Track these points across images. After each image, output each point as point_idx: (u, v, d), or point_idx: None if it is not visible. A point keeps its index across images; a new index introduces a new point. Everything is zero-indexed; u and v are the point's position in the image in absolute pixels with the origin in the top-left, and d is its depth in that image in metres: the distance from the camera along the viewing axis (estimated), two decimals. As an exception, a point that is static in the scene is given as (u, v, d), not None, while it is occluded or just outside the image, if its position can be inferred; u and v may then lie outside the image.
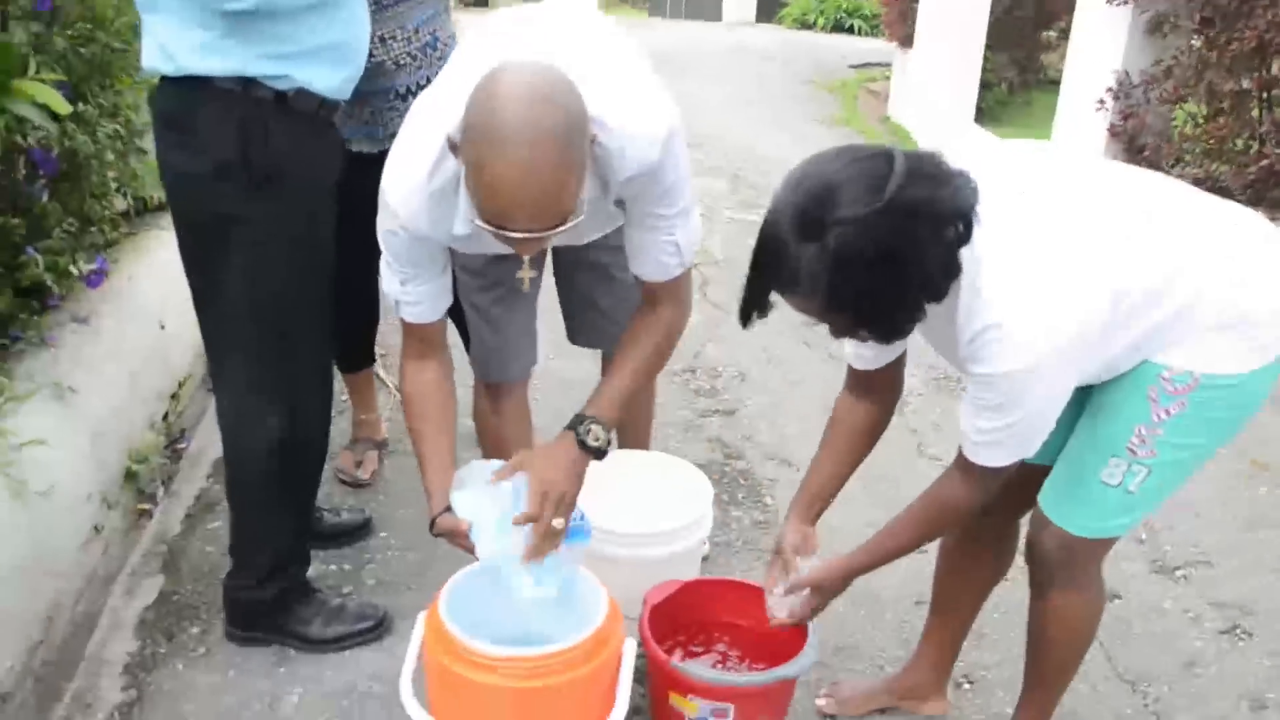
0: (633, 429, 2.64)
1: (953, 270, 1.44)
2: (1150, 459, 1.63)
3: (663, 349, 1.92)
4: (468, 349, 2.42)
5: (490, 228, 1.48)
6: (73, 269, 2.68)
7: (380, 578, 2.60)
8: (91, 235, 2.91)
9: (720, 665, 2.13)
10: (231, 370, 2.14)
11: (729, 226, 5.50)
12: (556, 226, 1.49)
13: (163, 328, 3.30)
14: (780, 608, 1.95)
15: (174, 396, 3.37)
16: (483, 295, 2.24)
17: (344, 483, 3.02)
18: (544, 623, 1.86)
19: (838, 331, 1.55)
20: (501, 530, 1.70)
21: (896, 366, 1.83)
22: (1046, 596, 1.82)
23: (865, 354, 1.80)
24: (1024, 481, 1.76)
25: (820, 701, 2.20)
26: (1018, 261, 1.47)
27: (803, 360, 3.95)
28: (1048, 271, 1.47)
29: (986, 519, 1.86)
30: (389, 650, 2.35)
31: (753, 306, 1.52)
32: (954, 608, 2.14)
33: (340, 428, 3.20)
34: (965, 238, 1.43)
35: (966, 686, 2.33)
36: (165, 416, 3.28)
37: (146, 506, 2.90)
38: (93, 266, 2.79)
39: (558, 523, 1.72)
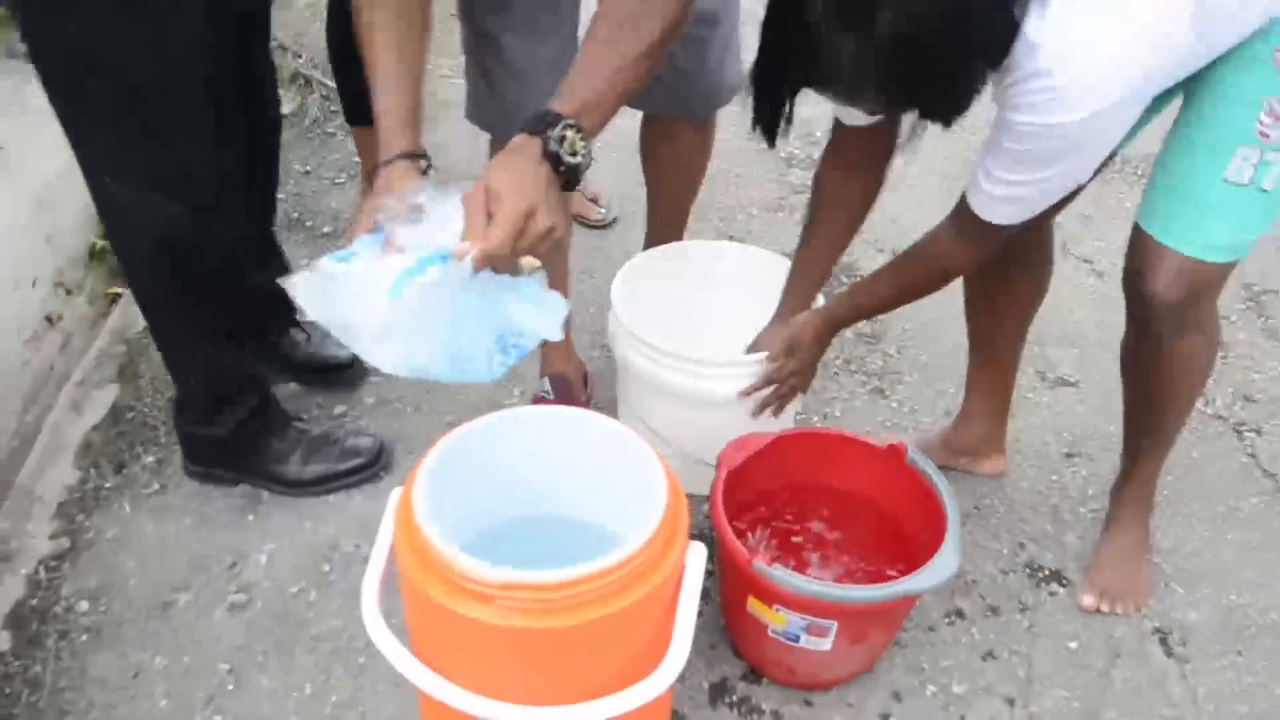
0: (672, 186, 2.09)
1: (1013, 28, 1.20)
2: None
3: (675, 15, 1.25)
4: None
5: None
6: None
7: (381, 395, 2.06)
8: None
9: (815, 555, 1.59)
10: (92, 153, 1.52)
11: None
12: None
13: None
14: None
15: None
16: (495, 18, 1.58)
17: (587, 227, 2.60)
18: (579, 503, 1.32)
19: (882, 112, 1.36)
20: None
21: (892, 120, 1.49)
22: (1165, 346, 1.53)
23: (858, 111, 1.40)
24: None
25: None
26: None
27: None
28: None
29: (1015, 265, 1.71)
30: (385, 495, 1.83)
31: (775, 118, 1.26)
32: (996, 345, 1.86)
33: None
34: None
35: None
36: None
37: (120, 291, 2.39)
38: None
39: (526, 260, 1.15)
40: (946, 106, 1.22)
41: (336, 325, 1.12)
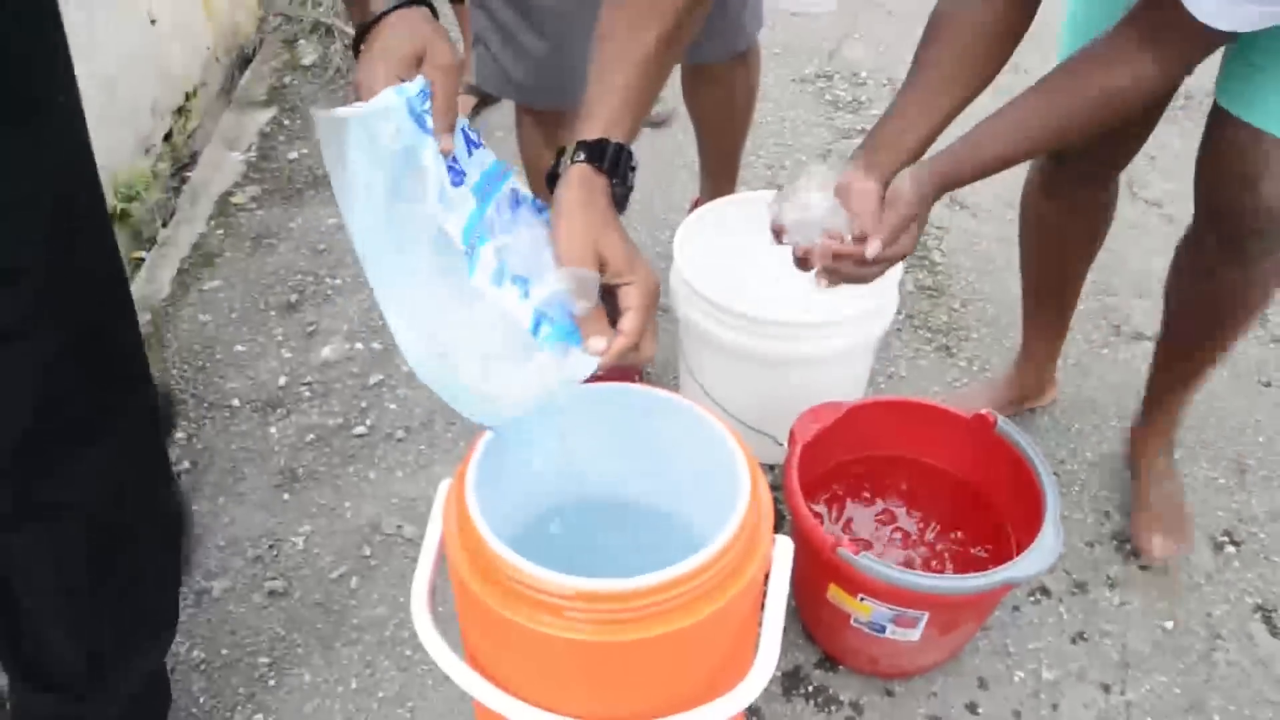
0: (719, 130, 1.99)
1: None
2: None
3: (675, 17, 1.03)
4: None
5: None
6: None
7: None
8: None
9: (898, 536, 1.47)
10: None
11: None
12: None
13: (153, 23, 2.57)
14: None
15: (179, 112, 2.67)
16: None
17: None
18: (640, 487, 1.20)
19: None
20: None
21: None
22: (1254, 262, 1.32)
23: None
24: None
25: None
26: None
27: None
28: None
29: (1085, 166, 1.50)
30: (427, 470, 1.73)
31: None
32: (1054, 288, 1.73)
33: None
34: None
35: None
36: (169, 137, 2.60)
37: (143, 255, 2.29)
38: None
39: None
40: None
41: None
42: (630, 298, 0.95)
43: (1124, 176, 1.59)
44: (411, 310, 0.94)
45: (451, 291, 0.95)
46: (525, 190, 1.05)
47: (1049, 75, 1.17)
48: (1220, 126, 1.28)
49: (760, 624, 1.02)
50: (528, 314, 0.96)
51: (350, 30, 2.79)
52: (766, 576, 1.04)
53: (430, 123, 0.94)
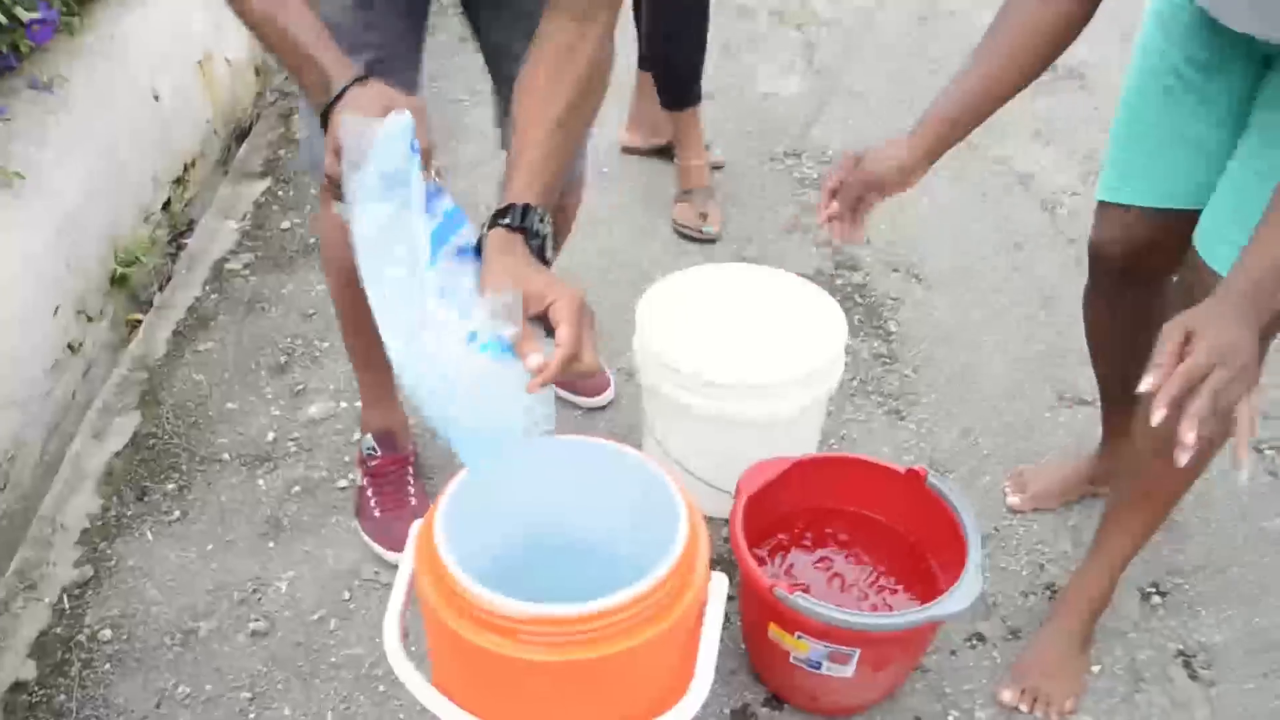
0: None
1: None
2: None
3: (594, 88, 1.25)
4: None
5: None
6: (-1, 17, 2.07)
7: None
8: (34, -26, 2.28)
9: (835, 580, 1.59)
10: None
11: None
12: None
13: (157, 98, 2.71)
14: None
15: (178, 182, 2.81)
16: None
17: (687, 237, 2.67)
18: (595, 529, 1.32)
19: None
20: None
21: None
22: None
23: None
24: (1168, 231, 1.45)
25: (1012, 500, 1.94)
26: None
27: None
28: None
29: (1129, 289, 1.63)
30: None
31: None
32: (1126, 386, 1.65)
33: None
34: None
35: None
36: (167, 205, 2.74)
37: (140, 318, 2.41)
38: (36, 15, 2.18)
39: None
40: None
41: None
42: (559, 312, 1.08)
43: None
44: (404, 328, 1.07)
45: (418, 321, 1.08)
46: (472, 240, 1.19)
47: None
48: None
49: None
50: (464, 330, 1.08)
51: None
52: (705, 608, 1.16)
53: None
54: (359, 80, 1.14)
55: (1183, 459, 1.02)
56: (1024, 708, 1.59)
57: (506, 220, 1.14)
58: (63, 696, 1.56)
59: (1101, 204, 1.59)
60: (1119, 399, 1.80)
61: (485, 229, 1.15)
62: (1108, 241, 1.59)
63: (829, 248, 2.66)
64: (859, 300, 2.47)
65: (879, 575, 1.59)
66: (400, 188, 1.09)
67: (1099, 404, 1.90)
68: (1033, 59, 1.31)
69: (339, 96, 1.14)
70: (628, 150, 3.00)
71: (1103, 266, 1.65)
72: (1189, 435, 1.01)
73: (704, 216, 2.68)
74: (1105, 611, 1.67)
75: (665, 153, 2.93)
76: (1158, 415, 1.02)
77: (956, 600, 1.34)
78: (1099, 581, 1.61)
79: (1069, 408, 2.18)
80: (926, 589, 1.50)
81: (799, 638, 1.37)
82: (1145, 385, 1.05)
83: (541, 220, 1.16)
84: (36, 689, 1.57)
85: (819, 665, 1.40)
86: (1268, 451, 2.07)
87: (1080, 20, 1.29)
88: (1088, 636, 1.65)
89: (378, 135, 1.07)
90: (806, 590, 1.43)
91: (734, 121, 3.17)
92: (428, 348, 1.07)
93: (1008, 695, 1.60)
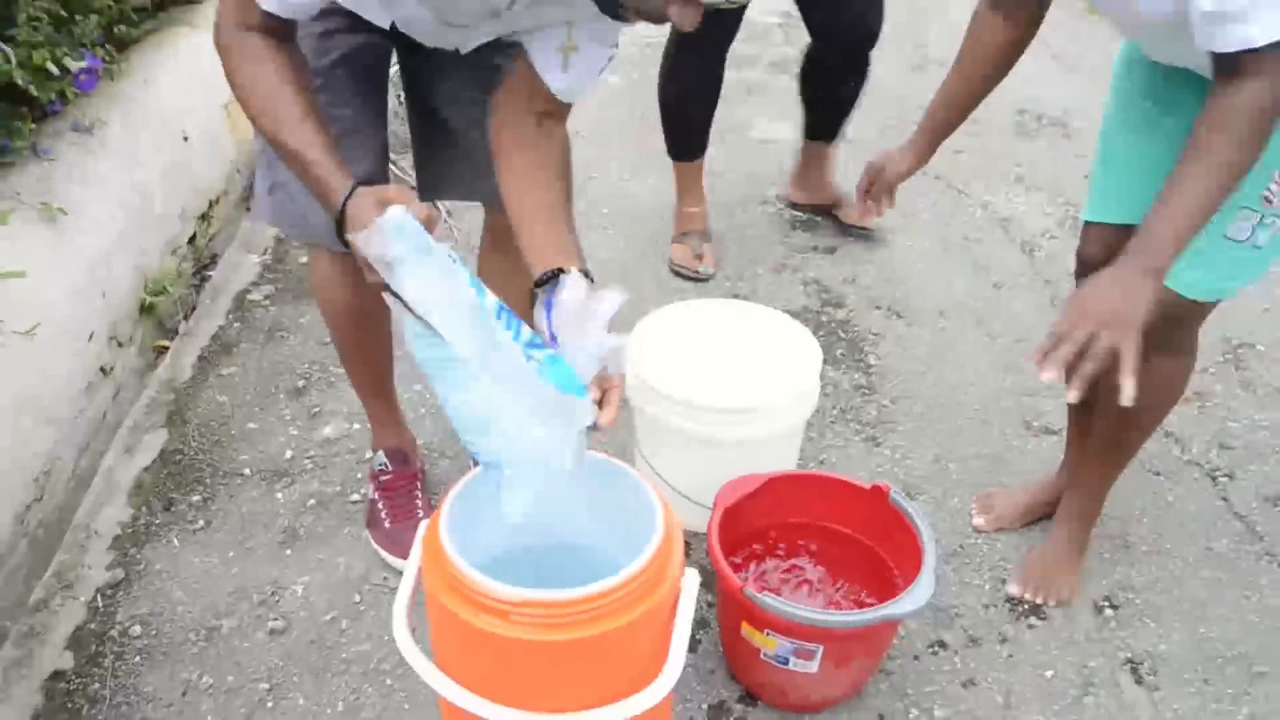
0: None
1: None
2: None
3: (568, 174, 1.60)
4: None
5: None
6: (50, 66, 2.25)
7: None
8: (81, 27, 2.46)
9: (804, 586, 1.73)
10: None
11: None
12: None
13: (185, 139, 2.90)
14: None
15: (204, 217, 2.99)
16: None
17: (683, 276, 2.86)
18: (584, 533, 1.47)
19: None
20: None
21: None
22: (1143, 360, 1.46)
23: None
24: None
25: (977, 520, 2.09)
26: None
27: (919, 189, 3.29)
28: None
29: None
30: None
31: None
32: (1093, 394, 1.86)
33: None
34: None
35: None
36: (193, 239, 2.91)
37: (167, 344, 2.57)
38: (83, 64, 2.36)
39: None
40: None
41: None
42: (615, 395, 1.31)
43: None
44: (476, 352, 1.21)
45: (492, 354, 1.23)
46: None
47: (1192, 139, 1.34)
48: None
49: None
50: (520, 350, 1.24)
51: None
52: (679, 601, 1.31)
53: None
54: (349, 197, 1.26)
55: (1073, 396, 1.31)
56: (1029, 596, 1.90)
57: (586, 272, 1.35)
58: (97, 685, 1.71)
59: (1086, 223, 1.79)
60: (1085, 409, 1.91)
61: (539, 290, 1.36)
62: (1091, 255, 1.76)
63: (815, 286, 2.82)
64: (842, 335, 2.63)
65: (846, 583, 1.73)
66: (426, 255, 1.21)
67: (1064, 431, 2.04)
68: (990, 72, 1.70)
69: (343, 212, 1.26)
70: (795, 206, 3.18)
71: (1087, 275, 1.81)
72: (1072, 394, 1.30)
73: (700, 258, 2.84)
74: (1064, 620, 1.84)
75: (827, 210, 3.12)
76: (1046, 376, 1.31)
77: (910, 601, 1.48)
78: (1090, 500, 1.91)
79: (1036, 436, 2.32)
80: (888, 595, 1.63)
81: (767, 635, 1.51)
82: (1034, 354, 1.34)
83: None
84: (74, 678, 1.72)
85: (786, 661, 1.53)
86: (1220, 479, 2.21)
87: (1023, 42, 1.67)
88: (1082, 543, 1.95)
89: (383, 233, 1.18)
90: (777, 594, 1.57)
91: (730, 165, 3.35)
92: (498, 370, 1.22)
93: (1015, 589, 1.91)
